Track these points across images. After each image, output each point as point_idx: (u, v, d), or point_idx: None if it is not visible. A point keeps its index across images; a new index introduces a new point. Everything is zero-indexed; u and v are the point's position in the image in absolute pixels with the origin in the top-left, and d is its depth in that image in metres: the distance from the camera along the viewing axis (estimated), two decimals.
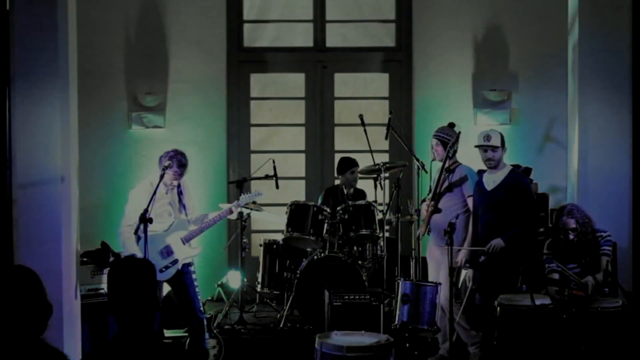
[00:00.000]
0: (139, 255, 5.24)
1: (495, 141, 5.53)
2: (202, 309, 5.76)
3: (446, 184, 5.73)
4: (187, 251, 5.68)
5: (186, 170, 5.64)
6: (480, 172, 5.87)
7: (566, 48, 6.31)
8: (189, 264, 5.72)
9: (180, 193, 5.75)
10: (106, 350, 2.78)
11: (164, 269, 5.52)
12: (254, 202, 7.23)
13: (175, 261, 5.59)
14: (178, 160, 5.55)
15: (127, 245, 5.54)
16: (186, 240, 5.68)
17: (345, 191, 7.14)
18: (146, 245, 5.26)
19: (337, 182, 7.48)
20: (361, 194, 7.12)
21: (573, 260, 5.31)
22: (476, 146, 5.65)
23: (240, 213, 6.82)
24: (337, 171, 7.31)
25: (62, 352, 2.67)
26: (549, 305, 4.99)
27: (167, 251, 5.61)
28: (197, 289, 5.73)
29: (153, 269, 2.94)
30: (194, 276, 5.75)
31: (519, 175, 5.64)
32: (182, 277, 5.64)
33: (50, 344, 2.64)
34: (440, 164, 5.89)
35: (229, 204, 7.32)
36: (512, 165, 7.00)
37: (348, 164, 7.16)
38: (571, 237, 5.24)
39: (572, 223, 5.25)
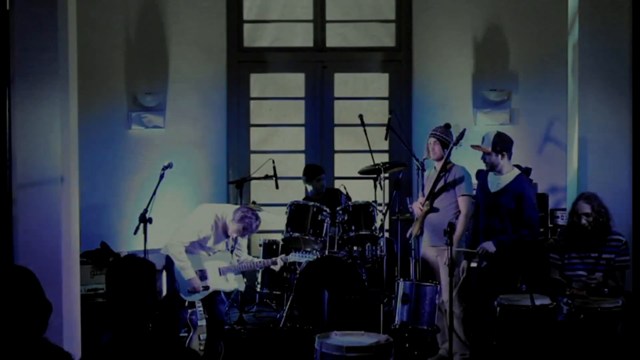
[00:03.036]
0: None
1: (486, 145, 5.51)
2: (224, 313, 5.80)
3: (441, 183, 5.71)
4: (222, 282, 5.69)
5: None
6: (480, 171, 5.86)
7: (566, 48, 6.30)
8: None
9: None
10: (104, 351, 2.77)
11: (191, 290, 5.51)
12: (253, 202, 7.24)
13: (206, 288, 5.58)
14: (248, 227, 5.55)
15: (180, 259, 5.50)
16: (223, 272, 5.68)
17: (318, 197, 7.14)
18: (146, 245, 5.26)
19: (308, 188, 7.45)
20: (334, 192, 7.15)
21: (584, 249, 5.29)
22: (471, 146, 5.66)
23: None
24: (304, 179, 7.32)
25: (66, 352, 2.66)
26: (549, 305, 4.99)
27: (202, 275, 5.60)
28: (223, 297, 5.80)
29: (153, 268, 2.93)
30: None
31: (524, 182, 5.56)
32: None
33: (53, 343, 2.64)
34: (432, 163, 5.89)
35: (228, 204, 7.35)
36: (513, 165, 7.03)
37: (315, 172, 7.20)
38: (583, 221, 5.23)
39: (587, 208, 5.25)
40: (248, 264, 5.83)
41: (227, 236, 5.68)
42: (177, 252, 5.48)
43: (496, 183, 5.55)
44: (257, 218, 5.61)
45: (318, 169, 7.29)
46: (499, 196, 5.48)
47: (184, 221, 5.71)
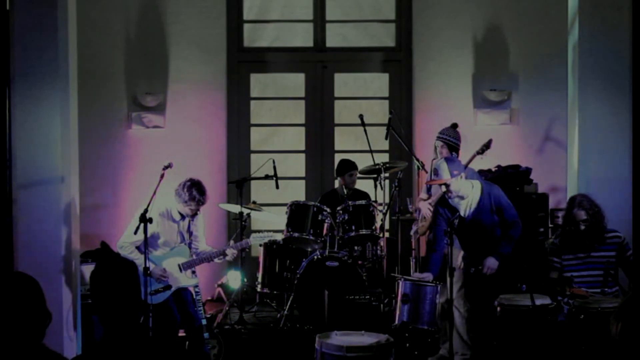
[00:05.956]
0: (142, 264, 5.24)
1: (444, 174, 5.25)
2: (201, 313, 5.75)
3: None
4: (183, 279, 5.63)
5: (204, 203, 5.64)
6: (480, 173, 5.87)
7: (566, 48, 6.31)
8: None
9: (191, 219, 5.75)
10: (94, 352, 2.76)
11: (154, 292, 5.43)
12: (254, 202, 7.24)
13: (168, 287, 5.55)
14: (195, 198, 5.51)
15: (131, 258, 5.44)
16: (184, 267, 5.64)
17: (343, 192, 7.13)
18: (146, 245, 5.24)
19: (335, 183, 7.45)
20: (362, 195, 7.11)
21: (581, 250, 5.30)
22: (427, 182, 5.61)
23: (240, 213, 6.83)
24: (336, 173, 7.32)
25: (64, 357, 2.66)
26: (549, 305, 4.99)
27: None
28: (197, 297, 5.74)
29: (135, 268, 2.91)
30: (196, 290, 5.75)
31: (493, 191, 5.39)
32: (180, 289, 5.65)
33: (51, 350, 2.63)
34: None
35: (228, 204, 7.36)
36: (511, 165, 7.03)
37: (347, 167, 7.16)
38: (582, 227, 5.26)
39: (582, 215, 5.26)
40: (207, 255, 5.77)
41: (178, 221, 5.64)
42: (128, 252, 5.45)
43: (467, 208, 5.36)
44: (198, 180, 5.59)
45: (350, 163, 7.20)
46: (479, 217, 5.35)
47: (132, 220, 5.59)
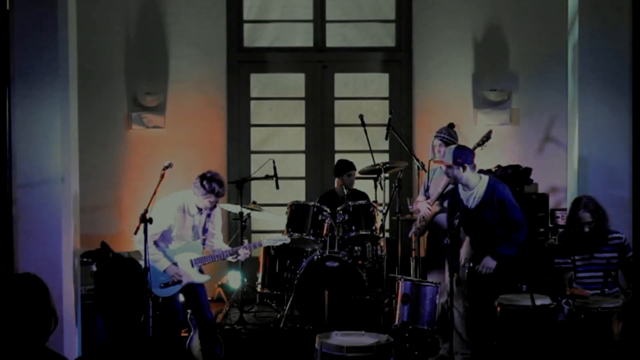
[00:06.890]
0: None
1: (447, 159, 5.30)
2: (212, 315, 5.74)
3: (451, 186, 5.70)
4: (194, 274, 5.60)
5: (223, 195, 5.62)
6: (480, 172, 5.84)
7: (566, 48, 6.30)
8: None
9: (207, 216, 5.72)
10: (96, 353, 2.76)
11: (163, 286, 5.43)
12: (254, 202, 7.24)
13: (179, 281, 5.55)
14: (214, 190, 5.48)
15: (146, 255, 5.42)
16: (195, 263, 5.62)
17: (343, 193, 7.12)
18: (146, 245, 5.24)
19: (336, 183, 7.45)
20: (361, 195, 7.10)
21: (583, 251, 5.30)
22: (433, 161, 5.70)
23: (241, 213, 6.83)
24: (334, 173, 7.31)
25: (65, 358, 2.66)
26: (549, 305, 4.99)
27: None
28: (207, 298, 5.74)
29: (140, 268, 2.91)
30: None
31: (497, 187, 5.40)
32: (194, 286, 5.64)
33: (52, 350, 2.63)
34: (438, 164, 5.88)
35: (228, 204, 7.36)
36: (511, 165, 7.03)
37: (345, 167, 7.17)
38: (586, 229, 5.25)
39: (587, 217, 5.25)
40: (219, 253, 5.76)
41: (194, 215, 5.62)
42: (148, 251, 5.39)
43: (472, 198, 5.38)
44: (216, 172, 5.57)
45: (348, 164, 7.19)
46: (480, 210, 5.34)
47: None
